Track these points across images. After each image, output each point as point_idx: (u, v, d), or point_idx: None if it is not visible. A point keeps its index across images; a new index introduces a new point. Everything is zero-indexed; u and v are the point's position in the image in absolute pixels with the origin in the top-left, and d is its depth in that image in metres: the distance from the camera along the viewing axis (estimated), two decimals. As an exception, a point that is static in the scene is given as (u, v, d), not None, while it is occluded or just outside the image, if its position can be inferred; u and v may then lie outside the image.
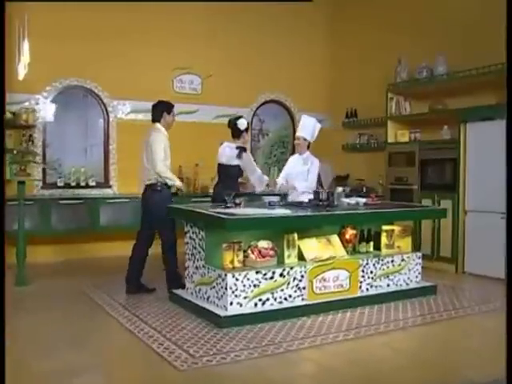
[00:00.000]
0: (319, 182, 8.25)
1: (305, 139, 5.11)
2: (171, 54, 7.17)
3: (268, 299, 4.03)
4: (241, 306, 3.92)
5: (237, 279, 3.90)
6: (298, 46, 8.11)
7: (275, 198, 4.68)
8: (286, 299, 4.10)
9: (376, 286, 4.56)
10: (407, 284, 4.76)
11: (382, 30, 7.38)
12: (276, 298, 4.06)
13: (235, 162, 4.95)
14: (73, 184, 6.59)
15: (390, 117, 6.80)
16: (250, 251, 4.12)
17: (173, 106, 4.98)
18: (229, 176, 5.11)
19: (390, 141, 6.77)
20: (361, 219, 4.56)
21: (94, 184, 6.73)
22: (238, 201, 4.39)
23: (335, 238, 4.54)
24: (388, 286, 4.64)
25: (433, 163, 6.16)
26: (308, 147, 5.20)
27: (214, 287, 4.05)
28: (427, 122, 6.47)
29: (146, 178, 4.86)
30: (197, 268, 4.32)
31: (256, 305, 3.98)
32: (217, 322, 3.84)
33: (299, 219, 4.16)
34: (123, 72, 6.81)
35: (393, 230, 4.81)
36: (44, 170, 6.42)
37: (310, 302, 4.16)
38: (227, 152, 5.04)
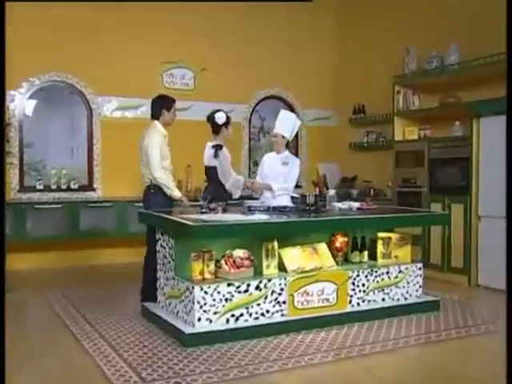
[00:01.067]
0: (325, 185, 8.10)
1: (283, 137, 4.88)
2: (160, 47, 7.03)
3: (242, 315, 3.82)
4: (210, 322, 3.73)
5: (206, 292, 3.70)
6: (299, 38, 7.90)
7: (256, 203, 4.49)
8: (263, 315, 3.89)
9: (369, 301, 4.31)
10: (406, 298, 4.49)
11: (390, 19, 7.11)
12: (251, 313, 3.85)
13: (214, 162, 4.77)
14: (53, 187, 6.50)
15: (397, 112, 6.53)
16: (223, 261, 3.93)
17: (173, 102, 4.76)
18: (211, 178, 4.95)
19: (397, 139, 6.50)
20: (351, 226, 4.34)
21: (76, 187, 6.63)
22: (212, 206, 4.21)
23: (323, 247, 4.31)
24: (383, 300, 4.38)
25: (443, 163, 5.86)
26: (287, 145, 4.97)
27: (182, 301, 3.87)
28: (438, 117, 6.19)
29: (144, 180, 4.71)
30: (167, 279, 4.14)
31: (228, 321, 3.78)
32: (182, 339, 3.65)
33: (278, 226, 3.96)
34: (108, 66, 6.72)
35: (389, 238, 4.55)
36: (21, 172, 6.35)
37: (291, 319, 3.94)
38: (207, 152, 4.87)
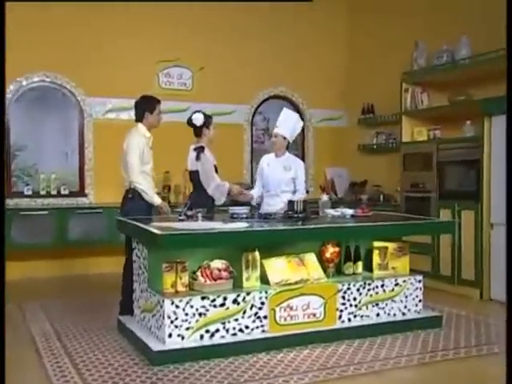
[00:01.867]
0: (333, 190, 7.88)
1: (284, 138, 4.69)
2: (156, 45, 6.93)
3: (218, 330, 3.66)
4: (182, 338, 3.57)
5: (177, 306, 3.55)
6: (304, 35, 7.69)
7: (242, 209, 4.31)
8: (241, 331, 3.72)
9: (361, 316, 4.09)
10: (403, 314, 4.25)
11: (401, 14, 6.89)
12: (228, 329, 3.68)
13: (197, 166, 4.64)
14: (42, 192, 6.45)
15: (404, 112, 6.29)
16: (199, 273, 3.77)
17: (157, 103, 4.64)
18: (195, 183, 4.82)
19: (405, 140, 6.25)
20: (341, 234, 4.12)
21: (66, 192, 6.56)
22: (190, 213, 4.07)
23: (311, 258, 4.12)
24: (378, 315, 4.16)
25: (453, 166, 5.60)
26: (287, 147, 4.79)
27: (154, 315, 3.73)
28: (448, 116, 5.93)
29: (124, 184, 4.59)
30: (141, 291, 4.01)
31: (202, 337, 3.62)
32: (150, 357, 3.51)
33: (258, 235, 3.78)
34: (100, 66, 6.64)
35: (386, 248, 4.33)
36: (8, 177, 6.32)
37: (272, 335, 3.76)
38: (190, 156, 4.75)
